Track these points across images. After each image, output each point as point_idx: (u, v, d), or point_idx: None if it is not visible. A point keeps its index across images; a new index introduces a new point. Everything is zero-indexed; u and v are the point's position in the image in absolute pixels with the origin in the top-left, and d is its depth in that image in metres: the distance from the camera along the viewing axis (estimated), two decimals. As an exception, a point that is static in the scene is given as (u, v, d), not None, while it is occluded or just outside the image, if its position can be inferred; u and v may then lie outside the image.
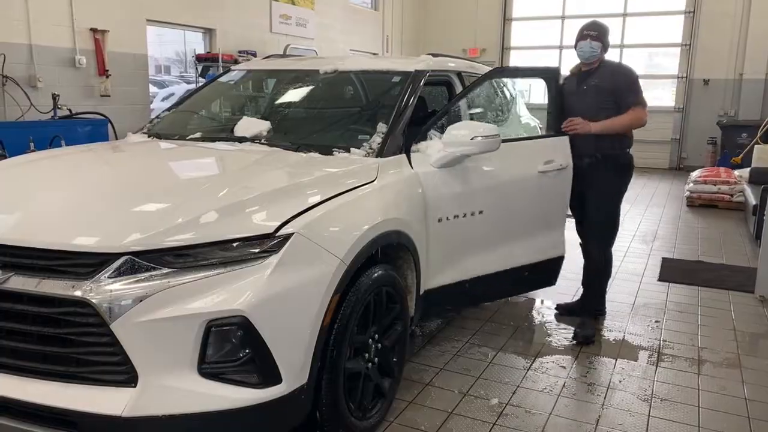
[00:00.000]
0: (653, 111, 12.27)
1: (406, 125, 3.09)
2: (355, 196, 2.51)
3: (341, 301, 2.29)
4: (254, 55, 8.62)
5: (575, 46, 3.71)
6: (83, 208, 2.18)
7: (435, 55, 3.80)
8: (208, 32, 8.51)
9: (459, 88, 3.80)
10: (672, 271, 5.18)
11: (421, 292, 2.96)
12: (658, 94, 13.14)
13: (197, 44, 8.88)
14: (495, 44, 13.70)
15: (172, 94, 13.84)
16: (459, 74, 3.88)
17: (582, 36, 3.67)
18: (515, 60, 13.90)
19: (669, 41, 12.41)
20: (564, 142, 3.68)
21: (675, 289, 4.71)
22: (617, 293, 4.55)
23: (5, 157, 4.00)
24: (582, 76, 3.73)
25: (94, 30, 6.71)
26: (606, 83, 3.62)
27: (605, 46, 3.69)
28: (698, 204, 8.26)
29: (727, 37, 11.69)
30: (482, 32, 13.63)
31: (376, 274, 2.48)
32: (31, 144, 4.35)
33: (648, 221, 7.26)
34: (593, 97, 3.63)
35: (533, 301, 4.42)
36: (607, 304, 4.31)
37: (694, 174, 8.73)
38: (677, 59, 12.39)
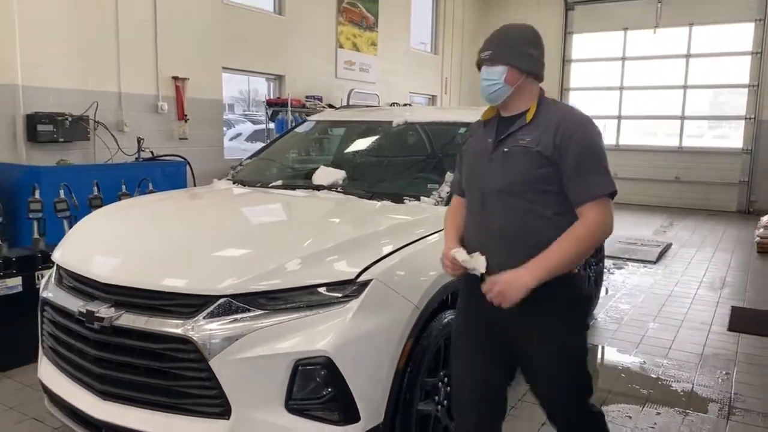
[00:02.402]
0: (719, 153, 12.22)
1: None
2: (426, 243, 2.65)
3: (415, 344, 2.42)
4: (320, 99, 9.02)
5: None
6: (185, 253, 2.42)
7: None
8: (278, 78, 8.98)
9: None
10: (742, 320, 5.05)
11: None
12: (724, 133, 12.85)
13: (260, 84, 9.40)
14: (554, 85, 13.77)
15: (240, 134, 14.54)
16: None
17: (478, 62, 2.10)
18: (574, 101, 13.91)
19: (735, 82, 12.16)
20: None
21: (746, 339, 4.59)
22: (684, 342, 4.48)
23: (101, 199, 4.37)
24: (501, 128, 2.08)
25: (175, 78, 7.22)
26: (543, 145, 1.95)
27: (521, 70, 2.02)
28: (770, 250, 7.98)
29: (798, 78, 11.38)
30: (541, 74, 13.74)
31: (446, 319, 2.60)
32: (123, 186, 4.72)
33: (716, 267, 7.07)
34: (517, 168, 1.99)
35: (596, 347, 4.40)
36: (674, 353, 4.27)
37: (765, 218, 8.45)
38: (745, 98, 12.12)
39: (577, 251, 1.92)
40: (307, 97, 8.93)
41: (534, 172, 1.96)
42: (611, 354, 4.29)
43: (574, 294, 2.05)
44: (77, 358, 2.39)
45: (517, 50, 2.03)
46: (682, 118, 12.70)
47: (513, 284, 1.89)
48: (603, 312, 5.19)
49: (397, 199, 3.07)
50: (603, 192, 1.93)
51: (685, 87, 12.57)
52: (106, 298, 2.29)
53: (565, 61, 13.71)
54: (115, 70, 6.62)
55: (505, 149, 2.02)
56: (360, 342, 2.17)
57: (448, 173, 3.18)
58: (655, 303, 5.52)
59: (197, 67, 7.48)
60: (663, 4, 12.18)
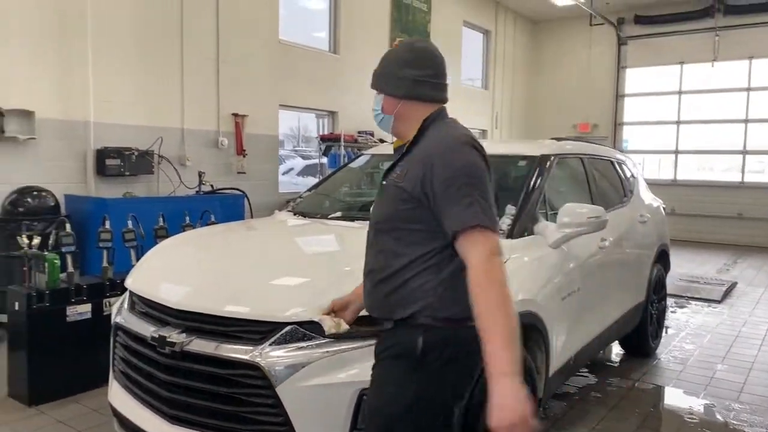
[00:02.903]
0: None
1: (534, 207, 3.22)
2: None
3: (477, 380, 2.38)
4: (371, 134, 9.17)
5: None
6: (252, 281, 2.48)
7: (559, 139, 3.94)
8: (331, 114, 9.20)
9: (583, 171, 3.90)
10: (819, 364, 4.76)
11: (550, 374, 2.98)
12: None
13: (310, 119, 9.67)
14: (607, 120, 13.60)
15: (291, 169, 14.88)
16: (583, 157, 3.98)
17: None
18: (628, 135, 13.69)
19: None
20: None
21: (824, 384, 4.32)
22: (757, 385, 4.25)
23: (166, 229, 4.53)
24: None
25: (235, 115, 7.50)
26: (409, 179, 1.73)
27: (397, 96, 1.85)
28: None
29: None
30: (594, 108, 13.60)
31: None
32: (187, 218, 4.89)
33: (786, 307, 6.72)
34: (385, 203, 1.82)
35: (661, 388, 4.23)
36: (745, 396, 4.05)
37: (838, 257, 8.01)
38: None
39: (496, 304, 1.54)
40: (359, 132, 9.10)
41: (398, 208, 1.74)
42: (676, 396, 4.10)
43: (405, 344, 1.71)
44: (147, 382, 2.46)
45: (390, 75, 1.87)
46: (744, 152, 12.29)
47: (508, 404, 1.48)
48: (666, 352, 4.98)
49: (457, 231, 3.07)
50: (472, 222, 1.59)
51: (746, 121, 12.20)
52: (177, 323, 2.36)
53: (619, 96, 13.54)
54: (179, 107, 6.93)
55: (384, 183, 1.84)
56: (424, 373, 2.16)
57: (509, 206, 3.18)
58: (722, 343, 5.28)
59: (256, 104, 7.75)
60: (720, 38, 11.95)
